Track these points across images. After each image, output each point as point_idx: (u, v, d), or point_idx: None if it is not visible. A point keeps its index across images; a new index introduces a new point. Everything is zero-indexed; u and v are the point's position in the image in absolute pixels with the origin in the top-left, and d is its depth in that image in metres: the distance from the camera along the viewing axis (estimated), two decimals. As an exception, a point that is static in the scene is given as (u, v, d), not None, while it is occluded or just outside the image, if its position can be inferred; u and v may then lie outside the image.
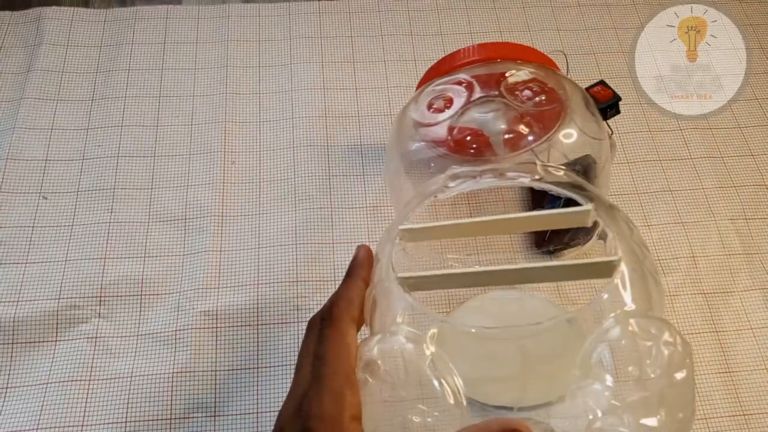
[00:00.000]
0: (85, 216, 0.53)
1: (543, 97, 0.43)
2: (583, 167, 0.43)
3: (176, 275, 0.51)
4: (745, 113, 0.62)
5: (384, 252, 0.36)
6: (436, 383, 0.30)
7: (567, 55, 0.51)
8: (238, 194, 0.55)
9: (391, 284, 0.33)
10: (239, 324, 0.48)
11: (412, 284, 0.33)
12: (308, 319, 0.48)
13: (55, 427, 0.44)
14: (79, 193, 0.54)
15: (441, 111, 0.44)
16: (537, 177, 0.36)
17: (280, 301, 0.49)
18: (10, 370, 0.46)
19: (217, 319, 0.48)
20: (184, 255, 0.52)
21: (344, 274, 0.35)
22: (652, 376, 0.29)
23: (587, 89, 0.47)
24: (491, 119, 0.43)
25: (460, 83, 0.45)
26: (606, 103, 0.47)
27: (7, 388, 0.46)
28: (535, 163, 0.37)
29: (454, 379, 0.31)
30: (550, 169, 0.38)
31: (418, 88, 0.49)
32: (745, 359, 0.49)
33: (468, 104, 0.43)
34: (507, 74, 0.44)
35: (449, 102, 0.44)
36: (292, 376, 0.46)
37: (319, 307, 0.49)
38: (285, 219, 0.53)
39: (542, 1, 0.68)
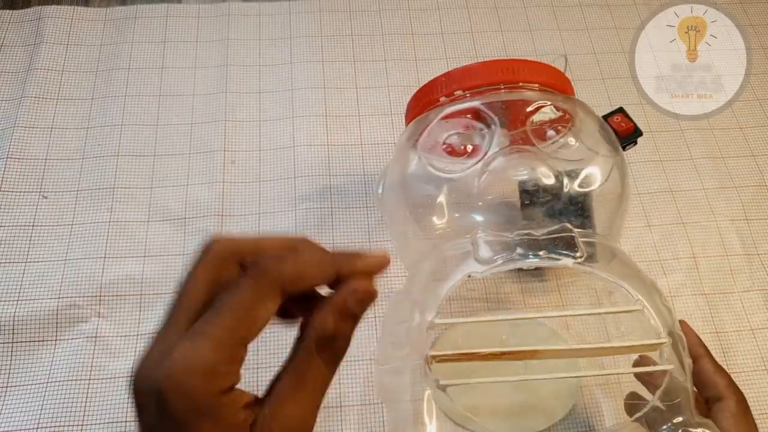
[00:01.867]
0: (85, 215, 0.53)
1: (571, 138, 0.39)
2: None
3: (176, 275, 0.51)
4: (746, 114, 0.62)
5: (411, 335, 0.33)
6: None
7: (567, 62, 0.47)
8: (238, 194, 0.55)
9: (428, 383, 0.31)
10: (239, 324, 0.48)
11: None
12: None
13: (55, 427, 0.44)
14: (79, 192, 0.54)
15: (461, 155, 0.39)
16: (580, 257, 0.33)
17: (280, 300, 0.49)
18: (10, 369, 0.46)
19: (217, 318, 0.48)
20: (184, 254, 0.52)
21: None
22: None
23: (605, 117, 0.44)
24: (523, 174, 0.38)
25: (478, 116, 0.39)
26: (625, 139, 0.44)
27: (7, 387, 0.46)
28: (573, 236, 0.34)
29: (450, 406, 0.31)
30: (587, 239, 0.35)
31: (413, 112, 0.43)
32: (745, 360, 0.49)
33: (493, 151, 0.38)
34: (530, 109, 0.39)
35: (470, 143, 0.39)
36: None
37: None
38: (285, 219, 0.53)
39: (543, 1, 0.68)
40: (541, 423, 0.45)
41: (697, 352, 0.35)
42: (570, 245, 0.33)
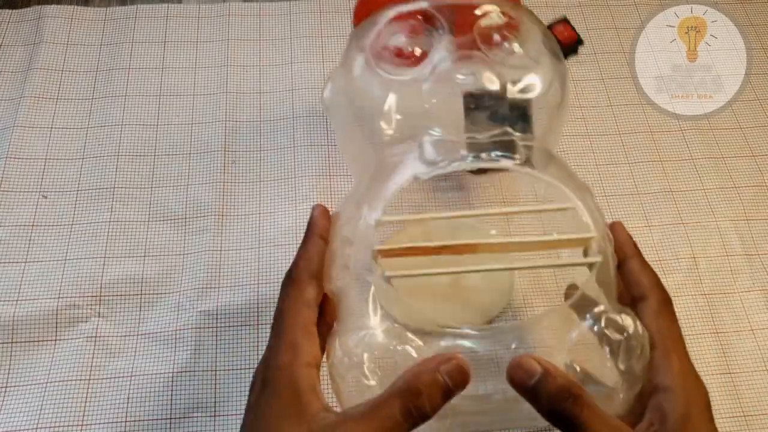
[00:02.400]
0: (85, 215, 0.53)
1: (516, 45, 0.40)
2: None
3: (176, 275, 0.51)
4: (746, 114, 0.62)
5: (355, 233, 0.34)
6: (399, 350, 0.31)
7: None
8: (238, 194, 0.55)
9: (375, 279, 0.33)
10: (239, 324, 0.48)
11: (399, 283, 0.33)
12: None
13: (54, 427, 0.44)
14: (79, 192, 0.54)
15: (408, 58, 0.39)
16: (519, 160, 0.35)
17: (280, 300, 0.49)
18: (9, 369, 0.46)
19: (217, 318, 0.48)
20: (184, 254, 0.52)
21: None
22: (619, 366, 0.31)
23: (550, 26, 0.45)
24: (472, 83, 0.39)
25: (426, 19, 0.40)
26: (567, 48, 0.45)
27: (6, 387, 0.46)
28: (513, 140, 0.36)
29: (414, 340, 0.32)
30: (527, 143, 0.37)
31: (361, 13, 0.43)
32: (745, 360, 0.49)
33: (443, 57, 0.38)
34: (478, 13, 0.40)
35: (417, 47, 0.39)
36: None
37: (319, 307, 0.49)
38: (285, 219, 0.53)
39: (543, 2, 0.68)
40: (477, 318, 0.48)
41: (626, 252, 0.36)
42: (510, 148, 0.35)
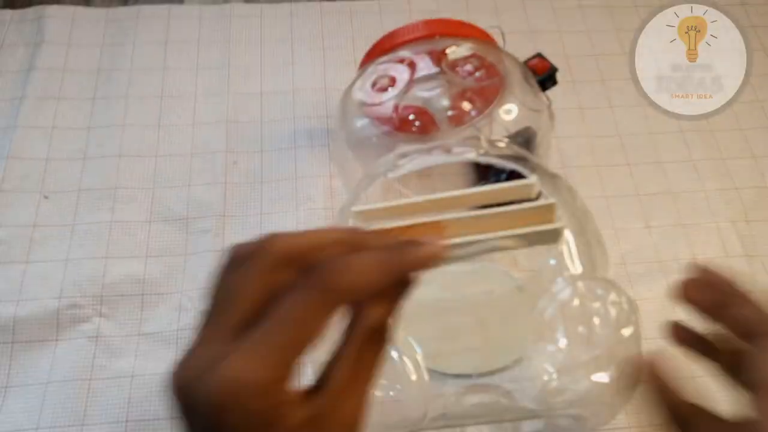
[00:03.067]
0: (86, 215, 0.53)
1: (483, 72, 0.44)
2: (525, 139, 0.44)
3: (178, 275, 0.51)
4: (747, 115, 0.62)
5: None
6: (396, 359, 0.31)
7: (505, 34, 0.52)
8: (239, 194, 0.55)
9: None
10: (240, 324, 0.48)
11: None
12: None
13: (55, 427, 0.44)
14: (80, 192, 0.54)
15: (385, 90, 0.45)
16: (482, 151, 0.37)
17: (281, 301, 0.49)
18: (10, 369, 0.46)
19: (218, 319, 0.48)
20: (185, 255, 0.52)
21: None
22: (601, 334, 0.32)
23: (525, 62, 0.49)
24: (434, 96, 0.44)
25: (402, 61, 0.46)
26: (544, 75, 0.48)
27: (7, 387, 0.46)
28: (479, 138, 0.38)
29: (415, 354, 0.32)
30: (494, 142, 0.39)
31: (360, 67, 0.49)
32: (745, 361, 0.49)
33: (411, 82, 0.44)
34: (447, 51, 0.45)
35: (392, 81, 0.45)
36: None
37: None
38: (286, 219, 0.53)
39: (544, 3, 0.68)
40: (499, 360, 0.46)
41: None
42: (476, 145, 0.38)
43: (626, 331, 0.32)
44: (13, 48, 0.62)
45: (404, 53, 0.46)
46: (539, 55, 0.49)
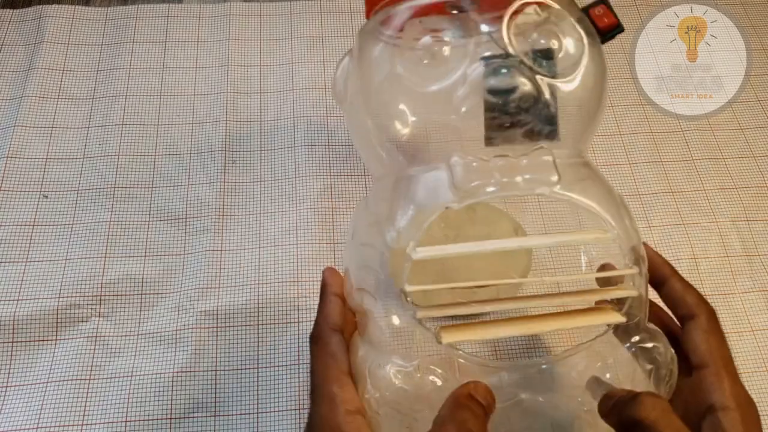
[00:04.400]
0: (85, 215, 0.53)
1: (556, 45, 0.35)
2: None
3: (177, 274, 0.51)
4: (747, 115, 0.62)
5: (381, 261, 0.33)
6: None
7: None
8: (238, 194, 0.55)
9: (404, 315, 0.32)
10: (240, 324, 0.48)
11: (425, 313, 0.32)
12: (309, 318, 0.49)
13: (55, 426, 0.44)
14: (79, 191, 0.54)
15: (438, 65, 0.34)
16: (555, 180, 0.31)
17: (280, 300, 0.49)
18: (9, 368, 0.46)
19: (217, 318, 0.48)
20: (184, 254, 0.52)
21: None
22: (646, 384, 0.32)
23: (586, 9, 0.39)
24: (508, 102, 0.34)
25: (453, 13, 0.35)
26: (606, 34, 0.40)
27: (6, 386, 0.46)
28: (551, 160, 0.32)
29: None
30: (565, 163, 0.33)
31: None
32: (745, 361, 0.49)
33: (473, 63, 0.33)
34: (512, 10, 0.34)
35: (446, 47, 0.35)
36: (293, 376, 0.47)
37: (320, 307, 0.49)
38: (286, 219, 0.53)
39: (544, 2, 0.68)
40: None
41: (664, 272, 0.36)
42: (547, 171, 0.31)
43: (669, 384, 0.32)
44: (13, 48, 0.62)
45: None
46: (603, 2, 0.39)
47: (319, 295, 0.36)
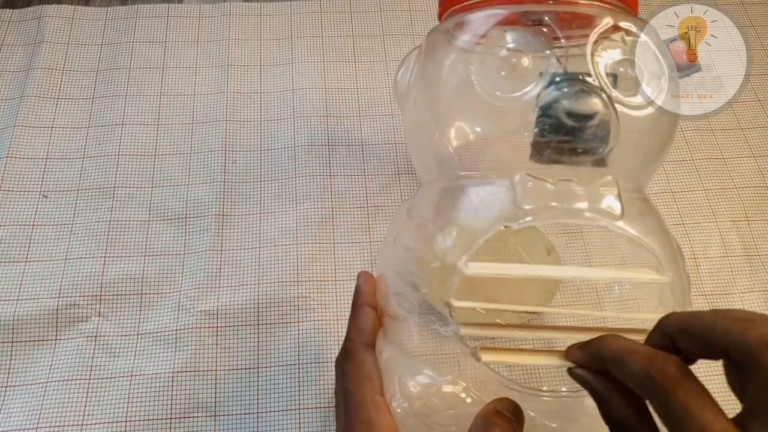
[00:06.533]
0: (85, 214, 0.53)
1: (637, 75, 0.35)
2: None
3: (177, 274, 0.51)
4: (747, 115, 0.62)
5: (427, 272, 0.32)
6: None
7: None
8: (238, 193, 0.55)
9: (448, 330, 0.31)
10: (240, 324, 0.48)
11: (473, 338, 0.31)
12: (309, 318, 0.49)
13: (54, 426, 0.44)
14: (79, 191, 0.54)
15: (518, 79, 0.33)
16: (619, 215, 0.30)
17: (280, 301, 0.49)
18: (9, 368, 0.46)
19: (217, 318, 0.48)
20: (184, 254, 0.52)
21: (351, 294, 0.36)
22: None
23: (665, 41, 0.39)
24: (578, 107, 0.33)
25: (538, 27, 0.34)
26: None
27: (6, 386, 0.45)
28: (615, 192, 0.31)
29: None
30: (628, 199, 0.32)
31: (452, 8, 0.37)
32: (745, 361, 0.49)
33: (554, 82, 0.33)
34: (598, 28, 0.34)
35: (523, 63, 0.33)
36: (293, 376, 0.47)
37: (320, 307, 0.49)
38: (285, 219, 0.53)
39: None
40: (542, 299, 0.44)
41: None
42: (611, 203, 0.30)
43: None
44: (13, 48, 0.62)
45: (541, 10, 0.34)
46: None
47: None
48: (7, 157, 0.54)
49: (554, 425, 0.32)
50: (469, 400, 0.31)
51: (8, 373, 0.46)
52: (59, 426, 0.44)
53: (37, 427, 0.44)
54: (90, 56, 0.62)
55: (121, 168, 0.55)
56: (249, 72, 0.62)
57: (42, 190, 0.54)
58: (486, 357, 0.30)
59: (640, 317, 0.30)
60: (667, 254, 0.31)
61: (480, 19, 0.35)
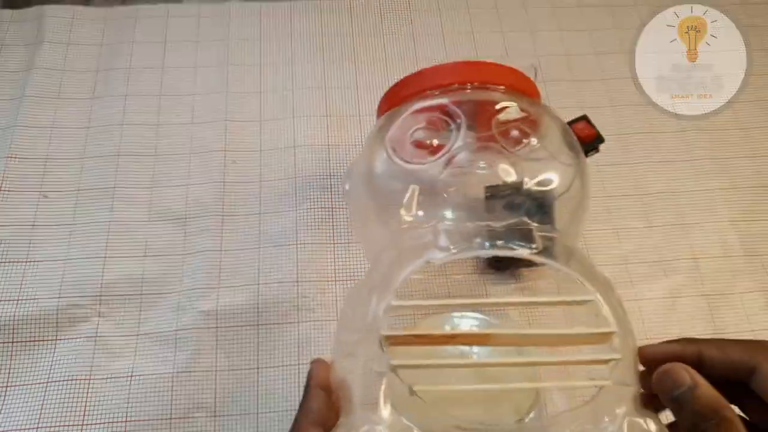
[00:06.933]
0: (85, 215, 0.53)
1: (535, 141, 0.41)
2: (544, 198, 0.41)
3: (177, 275, 0.51)
4: (747, 115, 0.62)
5: (367, 318, 0.33)
6: None
7: (537, 72, 0.47)
8: (238, 193, 0.55)
9: (380, 366, 0.31)
10: (240, 324, 0.48)
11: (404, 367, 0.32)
12: (309, 319, 0.49)
13: (55, 426, 0.44)
14: (79, 191, 0.54)
15: (427, 149, 0.40)
16: (535, 248, 0.34)
17: (280, 301, 0.49)
18: (10, 368, 0.46)
19: (217, 319, 0.48)
20: (184, 254, 0.52)
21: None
22: None
23: (570, 123, 0.46)
24: (486, 171, 0.40)
25: (445, 112, 0.41)
26: (588, 145, 0.46)
27: (7, 386, 0.46)
28: (531, 230, 0.35)
29: None
30: (547, 237, 0.36)
31: (383, 111, 0.45)
32: (745, 361, 0.49)
33: (456, 145, 0.40)
34: (497, 108, 0.41)
35: (436, 139, 0.41)
36: (293, 376, 0.47)
37: (320, 307, 0.49)
38: (285, 219, 0.53)
39: (543, 2, 0.68)
40: (509, 414, 0.43)
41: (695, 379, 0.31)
42: (527, 237, 0.34)
43: None
44: (13, 47, 0.62)
45: (447, 102, 0.41)
46: (585, 119, 0.46)
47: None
48: (8, 157, 0.54)
49: None
50: None
51: (8, 373, 0.46)
52: (59, 426, 0.44)
53: (37, 427, 0.44)
54: (90, 56, 0.62)
55: (121, 168, 0.55)
56: (249, 71, 0.61)
57: (42, 190, 0.54)
58: (420, 387, 0.30)
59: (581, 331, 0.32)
60: (591, 282, 0.33)
61: (399, 113, 0.42)
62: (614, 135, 0.60)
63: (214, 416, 0.45)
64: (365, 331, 0.33)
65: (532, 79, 0.44)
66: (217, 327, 0.48)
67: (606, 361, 0.31)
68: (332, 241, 0.52)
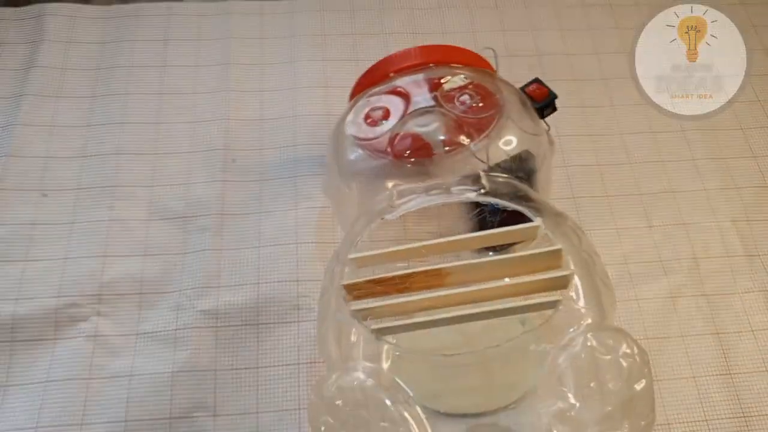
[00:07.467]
0: (85, 213, 0.53)
1: (479, 102, 0.44)
2: (524, 162, 0.44)
3: (176, 274, 0.51)
4: (747, 115, 0.62)
5: (334, 279, 0.36)
6: (390, 406, 0.31)
7: (496, 54, 0.50)
8: (238, 193, 0.54)
9: (344, 316, 0.33)
10: (239, 323, 0.48)
11: (368, 314, 0.34)
12: (309, 318, 0.49)
13: (54, 426, 0.44)
14: (79, 190, 0.54)
15: (378, 123, 0.44)
16: (483, 190, 0.36)
17: (280, 300, 0.49)
18: (9, 367, 0.46)
19: (217, 318, 0.48)
20: (184, 253, 0.51)
21: None
22: (613, 388, 0.30)
23: (522, 88, 0.48)
24: (431, 129, 0.43)
25: (395, 92, 0.45)
26: (542, 103, 0.48)
27: (6, 386, 0.46)
28: (480, 175, 0.38)
29: (417, 410, 0.31)
30: (494, 178, 0.38)
31: (352, 97, 0.49)
32: (745, 361, 0.49)
33: (405, 115, 0.44)
34: (442, 80, 0.44)
35: (386, 113, 0.44)
36: (293, 376, 0.46)
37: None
38: (286, 218, 0.53)
39: (545, 1, 0.68)
40: (505, 398, 0.42)
41: None
42: (475, 181, 0.37)
43: (639, 386, 0.30)
44: (14, 46, 0.62)
45: (397, 82, 0.45)
46: (537, 81, 0.48)
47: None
48: (7, 155, 0.54)
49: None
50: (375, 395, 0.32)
51: (8, 372, 0.46)
52: (59, 425, 0.44)
53: (36, 427, 0.44)
54: (90, 54, 0.62)
55: (121, 167, 0.55)
56: (249, 70, 0.61)
57: (42, 188, 0.54)
58: (377, 325, 0.32)
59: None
60: (540, 213, 0.36)
61: (359, 98, 0.47)
62: (614, 135, 0.60)
63: (214, 416, 0.45)
64: (334, 289, 0.35)
65: (492, 63, 0.48)
66: (216, 326, 0.48)
67: (561, 278, 0.33)
68: (332, 241, 0.52)
